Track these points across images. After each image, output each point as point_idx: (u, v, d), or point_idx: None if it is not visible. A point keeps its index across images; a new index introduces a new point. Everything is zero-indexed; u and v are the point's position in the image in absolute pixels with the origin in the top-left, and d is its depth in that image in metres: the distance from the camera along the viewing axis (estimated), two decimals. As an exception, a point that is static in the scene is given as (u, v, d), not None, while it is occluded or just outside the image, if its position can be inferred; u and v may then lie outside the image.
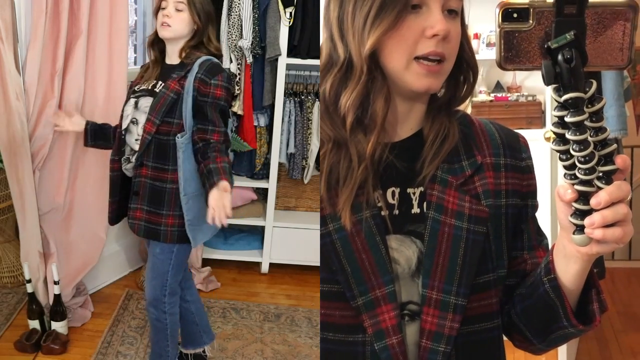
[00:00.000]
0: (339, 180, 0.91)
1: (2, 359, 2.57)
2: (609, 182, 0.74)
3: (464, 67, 0.96)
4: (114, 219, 2.24)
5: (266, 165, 3.34)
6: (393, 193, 0.94)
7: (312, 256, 3.37)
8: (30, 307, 2.66)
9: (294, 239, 3.39)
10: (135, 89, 2.11)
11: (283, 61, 3.11)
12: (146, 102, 2.04)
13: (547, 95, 2.91)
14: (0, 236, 3.12)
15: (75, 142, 2.66)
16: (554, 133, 0.76)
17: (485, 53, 3.02)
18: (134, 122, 2.06)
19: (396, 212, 0.94)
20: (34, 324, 2.67)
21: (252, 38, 3.01)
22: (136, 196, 2.08)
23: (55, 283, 2.59)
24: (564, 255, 0.84)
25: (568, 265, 0.84)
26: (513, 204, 0.97)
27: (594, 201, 0.73)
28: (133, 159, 2.08)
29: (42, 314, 2.69)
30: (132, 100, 2.09)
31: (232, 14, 3.01)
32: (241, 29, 3.01)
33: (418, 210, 0.94)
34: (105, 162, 2.29)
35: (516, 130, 1.04)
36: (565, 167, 0.76)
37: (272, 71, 3.15)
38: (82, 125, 2.32)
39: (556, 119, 0.75)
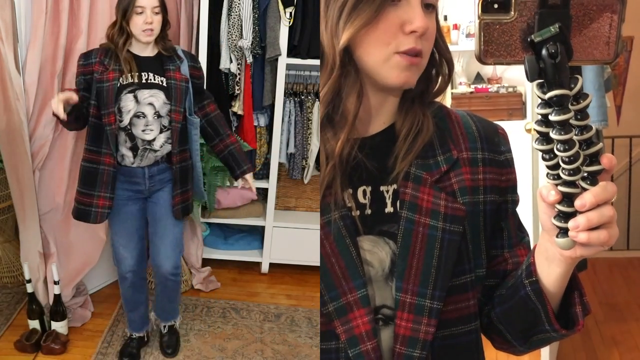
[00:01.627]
0: None
1: (2, 359, 2.57)
2: (594, 182, 0.71)
3: (438, 60, 0.92)
4: (105, 216, 2.29)
5: (266, 165, 3.34)
6: (364, 192, 0.90)
7: (312, 256, 3.37)
8: (30, 307, 2.66)
9: (294, 239, 3.39)
10: (122, 82, 2.17)
11: (283, 61, 3.11)
12: (145, 95, 2.19)
13: (527, 87, 2.89)
14: (0, 236, 3.12)
15: (75, 142, 2.66)
16: (537, 132, 0.72)
17: (465, 44, 2.99)
18: (138, 115, 2.20)
19: (368, 211, 0.90)
20: (34, 324, 2.67)
21: (252, 38, 3.01)
22: (175, 184, 2.34)
23: (55, 283, 2.59)
24: (546, 257, 0.82)
25: (550, 268, 0.82)
26: (491, 201, 0.93)
27: (578, 203, 0.70)
28: (157, 147, 2.25)
29: (42, 314, 2.69)
30: (130, 95, 2.17)
31: (232, 14, 3.01)
32: (241, 29, 3.01)
33: (392, 210, 0.90)
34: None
35: (496, 122, 1.00)
36: (548, 167, 0.73)
37: (272, 71, 3.15)
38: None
39: (539, 117, 0.72)
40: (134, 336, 2.64)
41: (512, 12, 0.70)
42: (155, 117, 2.22)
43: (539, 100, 0.71)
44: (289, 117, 3.28)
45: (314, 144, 3.32)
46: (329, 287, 0.86)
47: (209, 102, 2.45)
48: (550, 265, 0.81)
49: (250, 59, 3.06)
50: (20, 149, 2.50)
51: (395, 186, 0.90)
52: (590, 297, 0.90)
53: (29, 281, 2.63)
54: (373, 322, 0.87)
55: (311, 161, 3.35)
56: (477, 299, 0.94)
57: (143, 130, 2.21)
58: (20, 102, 2.43)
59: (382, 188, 0.90)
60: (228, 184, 3.24)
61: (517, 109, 2.95)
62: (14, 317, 2.87)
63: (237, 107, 3.15)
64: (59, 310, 2.65)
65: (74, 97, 2.07)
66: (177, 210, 2.38)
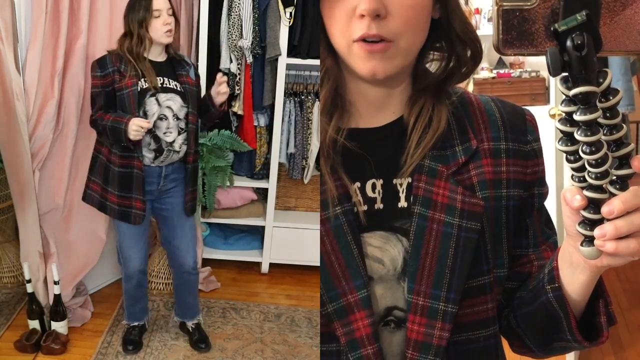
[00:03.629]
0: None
1: (2, 359, 2.57)
2: (623, 187, 0.64)
3: (455, 43, 0.83)
4: (143, 217, 2.38)
5: (266, 165, 3.34)
6: (374, 185, 0.84)
7: (312, 256, 3.37)
8: (30, 307, 2.66)
9: (294, 239, 3.39)
10: (141, 87, 2.25)
11: (283, 61, 3.11)
12: (165, 98, 2.29)
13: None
14: (0, 236, 3.12)
15: (75, 142, 2.66)
16: (560, 131, 0.65)
17: (487, 29, 2.94)
18: (161, 118, 2.30)
19: (379, 206, 0.84)
20: (34, 324, 2.66)
21: (252, 38, 3.01)
22: (188, 182, 2.45)
23: (55, 283, 2.59)
24: (569, 263, 0.75)
25: (574, 275, 0.75)
26: (515, 196, 0.85)
27: (605, 209, 0.63)
28: (177, 148, 2.33)
29: (42, 314, 2.69)
30: (152, 99, 2.27)
31: (232, 14, 3.01)
32: (241, 29, 3.01)
33: (405, 204, 0.83)
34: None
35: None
36: (573, 169, 0.65)
37: (272, 71, 3.15)
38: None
39: (563, 115, 0.64)
40: (136, 324, 2.72)
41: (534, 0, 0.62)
42: (175, 119, 2.31)
43: (563, 97, 0.64)
44: (289, 117, 3.28)
45: (314, 144, 3.32)
46: (328, 286, 0.81)
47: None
48: (574, 272, 0.75)
49: (250, 59, 3.06)
50: (20, 149, 2.49)
51: (409, 180, 0.83)
52: (614, 284, 0.85)
53: (29, 281, 2.63)
54: (374, 325, 0.81)
55: (311, 161, 3.35)
56: (496, 302, 0.87)
57: (165, 133, 2.31)
58: (20, 102, 2.43)
59: (395, 181, 0.84)
60: (228, 184, 3.23)
61: (540, 93, 2.87)
62: (14, 317, 2.87)
63: (237, 107, 3.15)
64: (59, 310, 2.65)
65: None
66: (189, 207, 2.49)
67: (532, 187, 0.88)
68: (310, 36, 3.13)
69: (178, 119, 2.32)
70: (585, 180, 0.65)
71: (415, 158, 0.82)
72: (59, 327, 2.66)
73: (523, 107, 0.92)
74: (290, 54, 3.14)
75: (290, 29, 3.08)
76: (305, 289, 3.38)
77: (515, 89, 2.90)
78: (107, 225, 2.91)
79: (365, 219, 0.83)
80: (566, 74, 0.61)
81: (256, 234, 3.57)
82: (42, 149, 2.54)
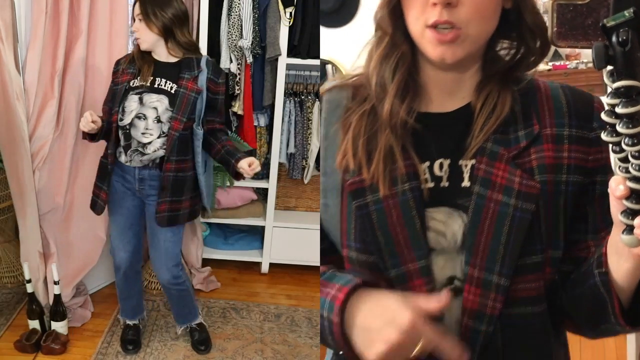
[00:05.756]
0: (365, 146, 0.89)
1: (2, 359, 2.57)
2: None
3: (524, 31, 0.88)
4: (103, 208, 2.37)
5: (266, 165, 3.34)
6: (441, 165, 0.91)
7: (312, 256, 3.37)
8: (30, 307, 2.66)
9: (294, 239, 3.39)
10: (131, 85, 2.24)
11: (283, 61, 3.11)
12: (151, 98, 2.22)
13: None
14: (0, 236, 3.12)
15: (75, 142, 2.66)
16: (605, 123, 0.67)
17: None
18: (140, 117, 2.22)
19: (445, 184, 0.91)
20: (34, 324, 2.67)
21: (252, 38, 3.01)
22: (163, 191, 2.29)
23: (55, 283, 2.59)
24: (615, 251, 0.79)
25: (619, 262, 0.79)
26: (575, 181, 0.88)
27: None
28: (150, 150, 2.24)
29: (42, 314, 2.69)
30: (135, 97, 2.22)
31: (232, 14, 3.01)
32: (241, 29, 3.01)
33: (468, 184, 0.90)
34: (105, 162, 2.35)
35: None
36: (618, 159, 0.68)
37: (272, 71, 3.15)
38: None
39: (608, 107, 0.66)
40: (130, 324, 2.72)
41: None
42: (156, 122, 2.23)
43: (609, 90, 0.66)
44: (289, 117, 3.28)
45: (314, 144, 3.32)
46: (391, 254, 0.88)
47: (218, 122, 2.38)
48: (620, 260, 0.78)
49: (250, 59, 3.06)
50: (20, 149, 2.50)
51: (473, 161, 0.90)
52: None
53: (29, 281, 2.63)
54: (433, 292, 0.86)
55: (311, 161, 3.35)
56: (549, 281, 0.90)
57: (143, 134, 2.23)
58: (20, 102, 2.43)
59: (461, 162, 0.90)
60: (228, 184, 3.23)
61: (597, 84, 2.77)
62: (14, 317, 2.87)
63: (237, 107, 3.15)
64: (59, 310, 2.65)
65: (98, 123, 2.17)
66: (160, 218, 2.31)
67: (594, 174, 0.90)
68: (310, 36, 3.13)
69: (160, 121, 2.22)
70: (629, 172, 0.67)
71: (478, 141, 0.89)
72: (59, 327, 2.66)
73: (594, 95, 0.94)
74: (290, 54, 3.14)
75: (290, 29, 3.08)
76: (305, 289, 3.38)
77: (571, 81, 2.82)
78: (107, 225, 2.91)
79: (431, 196, 0.90)
80: (611, 67, 0.63)
81: (256, 234, 3.57)
82: (42, 149, 2.54)
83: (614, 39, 0.62)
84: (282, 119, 3.23)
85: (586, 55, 2.96)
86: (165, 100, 2.22)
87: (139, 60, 2.26)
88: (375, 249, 0.88)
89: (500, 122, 0.89)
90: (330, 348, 1.01)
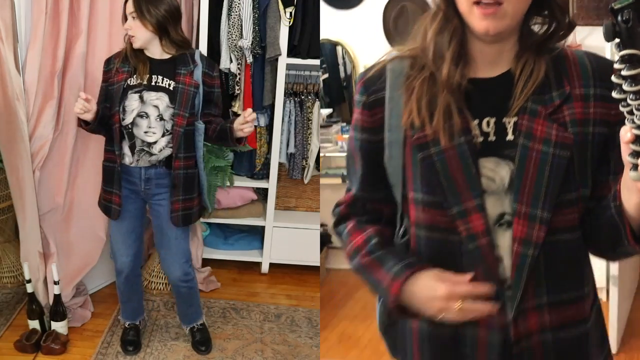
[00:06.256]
0: (428, 106, 1.07)
1: (2, 359, 2.57)
2: None
3: (556, 10, 1.06)
4: (119, 213, 2.35)
5: (266, 165, 3.34)
6: (488, 122, 1.09)
7: (312, 256, 3.37)
8: (30, 307, 2.66)
9: (294, 239, 3.39)
10: (129, 83, 2.23)
11: (283, 61, 3.11)
12: (151, 96, 2.21)
13: (607, 53, 2.71)
14: (0, 236, 3.12)
15: (75, 142, 2.66)
16: (615, 84, 0.86)
17: None
18: (142, 115, 2.22)
19: (492, 138, 1.08)
20: (34, 324, 2.67)
21: (252, 38, 3.01)
22: (175, 189, 2.31)
23: (55, 283, 2.59)
24: (626, 187, 0.98)
25: (629, 196, 0.97)
26: (600, 133, 1.07)
27: None
28: (156, 150, 2.25)
29: (42, 314, 2.69)
30: (135, 95, 2.21)
31: (232, 14, 3.01)
32: (241, 29, 3.01)
33: (512, 137, 1.07)
34: (105, 162, 2.35)
35: None
36: (626, 112, 0.86)
37: (272, 71, 3.15)
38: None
39: (617, 71, 0.85)
40: (129, 325, 2.72)
41: None
42: (158, 120, 2.23)
43: (617, 58, 0.84)
44: (289, 117, 3.28)
45: (314, 144, 3.33)
46: (452, 194, 1.07)
47: (216, 114, 2.39)
48: (629, 194, 0.97)
49: (250, 59, 3.06)
50: (20, 149, 2.50)
51: (515, 118, 1.07)
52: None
53: (29, 281, 2.63)
54: (487, 224, 1.07)
55: (311, 161, 3.35)
56: (580, 213, 1.10)
57: (146, 132, 2.23)
58: (20, 102, 2.43)
59: (505, 120, 1.08)
60: (228, 184, 3.23)
61: None
62: (14, 317, 2.87)
63: (237, 107, 3.15)
64: (59, 310, 2.65)
65: (93, 106, 2.15)
66: (175, 217, 2.35)
67: (616, 126, 1.02)
68: (310, 36, 3.13)
69: (162, 119, 2.23)
70: (634, 122, 0.85)
71: (519, 101, 1.07)
72: (59, 327, 2.66)
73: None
74: (290, 54, 3.14)
75: (290, 29, 3.08)
76: (305, 289, 3.38)
77: None
78: (107, 225, 2.91)
79: (482, 148, 1.08)
80: (618, 40, 0.81)
81: (256, 234, 3.57)
82: (42, 149, 2.54)
83: (619, 18, 0.80)
84: (282, 119, 3.23)
85: (587, 46, 2.98)
86: (165, 98, 2.22)
87: (133, 58, 2.24)
88: (439, 190, 1.07)
89: (537, 85, 1.06)
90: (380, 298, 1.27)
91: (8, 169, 2.59)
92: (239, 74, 3.09)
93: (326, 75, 3.54)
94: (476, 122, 1.08)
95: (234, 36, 3.01)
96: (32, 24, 2.43)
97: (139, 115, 2.22)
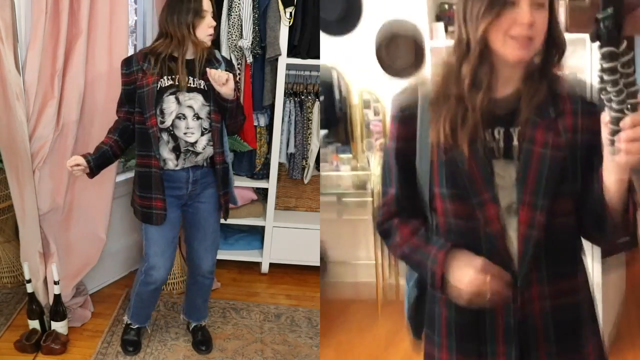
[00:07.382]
0: (455, 123, 1.31)
1: (2, 359, 2.58)
2: (634, 110, 1.06)
3: (552, 42, 1.31)
4: (164, 217, 2.35)
5: (266, 165, 3.34)
6: (499, 131, 1.34)
7: (312, 256, 3.37)
8: (30, 307, 2.66)
9: (294, 239, 3.39)
10: (162, 85, 2.22)
11: (283, 61, 3.11)
12: (185, 97, 2.24)
13: (587, 75, 2.85)
14: (0, 236, 3.12)
15: (75, 142, 2.66)
16: (598, 76, 1.07)
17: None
18: (180, 117, 2.26)
19: (502, 144, 1.34)
20: (34, 324, 2.67)
21: (252, 38, 3.01)
22: (221, 184, 2.41)
23: (55, 283, 2.59)
24: (605, 168, 1.20)
25: (609, 174, 1.20)
26: (586, 138, 1.31)
27: (621, 123, 1.08)
28: (200, 149, 2.30)
29: (42, 314, 2.69)
30: (172, 97, 2.23)
31: (232, 14, 3.01)
32: (241, 29, 3.01)
33: (517, 143, 1.33)
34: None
35: None
36: (605, 99, 1.07)
37: (272, 71, 3.15)
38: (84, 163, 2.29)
39: (600, 66, 1.06)
40: (134, 326, 2.71)
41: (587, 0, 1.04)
42: (195, 119, 2.26)
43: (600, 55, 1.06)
44: (289, 117, 3.28)
45: (314, 144, 3.33)
46: (472, 189, 1.32)
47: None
48: (609, 173, 1.19)
49: (250, 59, 3.06)
50: (20, 149, 2.50)
51: (519, 128, 1.33)
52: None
53: (29, 281, 2.63)
54: (499, 213, 1.32)
55: (311, 161, 3.35)
56: (573, 201, 1.34)
57: (185, 133, 2.26)
58: (20, 102, 2.43)
59: (511, 129, 1.34)
60: (228, 184, 3.23)
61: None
62: (14, 317, 2.87)
63: (237, 107, 3.14)
64: (59, 310, 2.65)
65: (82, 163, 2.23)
66: (226, 210, 2.47)
67: (598, 134, 1.23)
68: (311, 36, 3.13)
69: (199, 118, 2.26)
70: (612, 106, 1.07)
71: (524, 115, 1.32)
72: (59, 327, 2.66)
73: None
74: (290, 54, 3.14)
75: (290, 29, 3.08)
76: (305, 289, 3.38)
77: None
78: (107, 225, 2.91)
79: (493, 151, 1.34)
80: (600, 41, 1.04)
81: (256, 234, 3.57)
82: (42, 149, 2.54)
83: (601, 24, 1.03)
84: (282, 119, 3.23)
85: (569, 67, 3.13)
86: (199, 97, 2.25)
87: (164, 60, 2.22)
88: (462, 185, 1.33)
89: (537, 102, 1.31)
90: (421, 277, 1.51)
91: (8, 169, 2.59)
92: (239, 74, 3.09)
93: (322, 98, 3.56)
94: (489, 131, 1.34)
95: (234, 36, 3.01)
96: (32, 24, 2.43)
97: (177, 117, 2.25)
